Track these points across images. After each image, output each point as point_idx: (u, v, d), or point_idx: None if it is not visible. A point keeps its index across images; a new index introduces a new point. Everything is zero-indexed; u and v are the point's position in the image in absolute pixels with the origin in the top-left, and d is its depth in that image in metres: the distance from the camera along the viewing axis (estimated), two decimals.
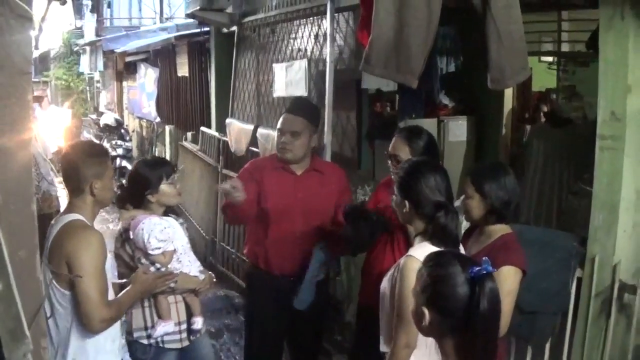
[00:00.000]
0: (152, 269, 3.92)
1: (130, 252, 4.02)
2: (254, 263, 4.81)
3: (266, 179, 4.64)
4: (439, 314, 2.34)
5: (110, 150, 14.58)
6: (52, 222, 3.46)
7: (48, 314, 3.27)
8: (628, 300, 4.11)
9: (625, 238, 4.11)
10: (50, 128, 8.90)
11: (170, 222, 4.15)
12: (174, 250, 4.08)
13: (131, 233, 4.00)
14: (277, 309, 4.68)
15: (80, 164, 3.42)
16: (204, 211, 9.97)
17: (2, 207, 1.98)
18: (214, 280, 4.47)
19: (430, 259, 2.50)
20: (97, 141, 14.96)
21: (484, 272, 2.30)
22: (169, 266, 4.02)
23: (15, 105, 2.02)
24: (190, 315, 4.19)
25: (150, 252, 3.93)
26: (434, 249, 3.06)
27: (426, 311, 2.36)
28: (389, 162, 4.29)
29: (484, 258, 2.34)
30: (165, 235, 3.99)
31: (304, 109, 4.73)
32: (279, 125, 4.62)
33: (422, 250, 3.10)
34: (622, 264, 4.07)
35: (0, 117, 1.98)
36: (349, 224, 4.28)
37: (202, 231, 9.96)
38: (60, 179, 4.01)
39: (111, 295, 3.51)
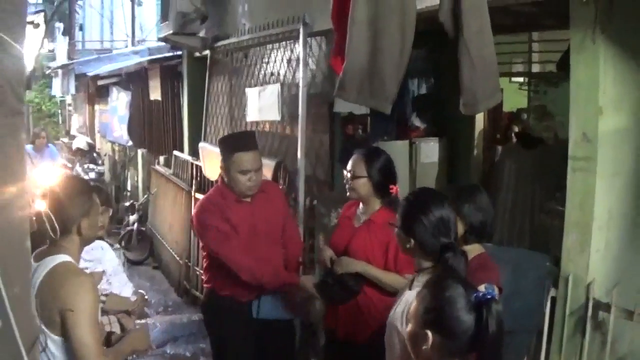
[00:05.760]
0: None
1: None
2: (218, 292, 4.79)
3: (228, 213, 4.66)
4: (443, 336, 2.39)
5: (82, 174, 14.51)
6: (33, 261, 3.23)
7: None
8: (602, 318, 4.15)
9: (599, 257, 4.16)
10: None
11: (101, 244, 4.19)
12: (103, 272, 4.11)
13: None
14: (246, 334, 4.72)
15: (66, 204, 3.24)
16: (178, 235, 9.93)
17: None
18: (146, 299, 4.49)
19: (433, 282, 2.55)
20: (70, 165, 14.90)
21: (489, 296, 2.36)
22: (98, 287, 4.05)
23: (9, 145, 2.03)
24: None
25: None
26: None
27: (430, 334, 2.39)
28: (345, 179, 4.39)
29: (485, 284, 2.40)
30: (92, 256, 4.06)
31: (254, 142, 4.81)
32: (242, 167, 4.59)
33: None
34: (595, 282, 4.12)
35: None
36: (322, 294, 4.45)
37: (175, 255, 9.92)
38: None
39: None
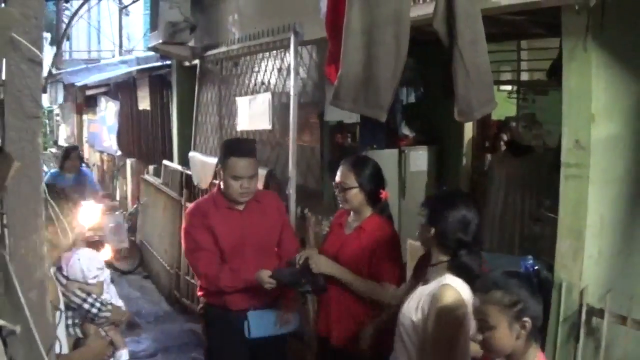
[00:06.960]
0: (90, 299, 3.92)
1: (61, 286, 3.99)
2: (208, 300, 4.80)
3: (215, 220, 4.66)
4: (532, 318, 2.65)
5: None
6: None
7: None
8: (596, 324, 4.17)
9: (592, 263, 4.18)
10: None
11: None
12: (104, 281, 4.15)
13: (64, 265, 4.01)
14: (235, 344, 4.72)
15: None
16: (168, 244, 9.91)
17: (13, 250, 1.99)
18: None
19: (494, 282, 2.74)
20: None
21: (536, 267, 2.71)
22: (101, 297, 4.06)
23: (27, 149, 2.04)
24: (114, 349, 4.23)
25: (90, 280, 3.99)
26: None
27: (526, 319, 2.63)
28: (336, 191, 4.41)
29: (521, 261, 2.61)
30: (100, 264, 4.08)
31: (253, 149, 4.78)
32: (236, 172, 4.58)
33: (457, 280, 3.27)
34: (589, 288, 4.14)
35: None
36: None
37: (165, 264, 9.90)
38: None
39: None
